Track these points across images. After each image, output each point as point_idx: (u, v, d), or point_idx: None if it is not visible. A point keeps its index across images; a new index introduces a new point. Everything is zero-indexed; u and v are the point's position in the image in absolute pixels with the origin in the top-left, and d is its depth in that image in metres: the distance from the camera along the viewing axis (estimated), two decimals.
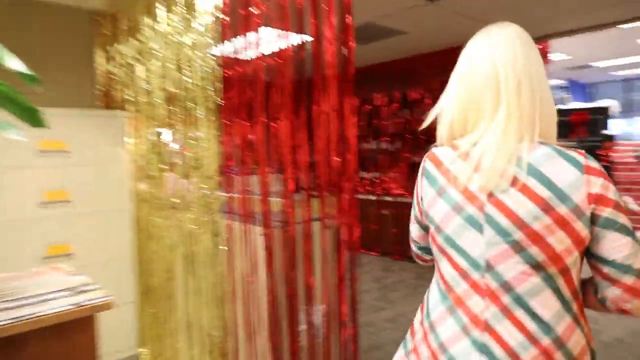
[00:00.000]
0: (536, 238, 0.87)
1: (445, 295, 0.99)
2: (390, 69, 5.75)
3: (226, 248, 2.44)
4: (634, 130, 9.97)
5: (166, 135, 2.66)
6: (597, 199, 0.88)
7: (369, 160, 6.07)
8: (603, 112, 6.52)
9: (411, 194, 5.41)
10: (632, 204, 6.34)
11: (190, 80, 2.31)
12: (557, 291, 0.90)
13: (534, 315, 0.89)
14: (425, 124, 1.09)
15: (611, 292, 0.92)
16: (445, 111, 1.05)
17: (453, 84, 1.04)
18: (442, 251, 0.99)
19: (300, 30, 2.16)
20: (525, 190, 0.88)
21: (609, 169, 6.31)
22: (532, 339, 0.88)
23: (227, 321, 2.45)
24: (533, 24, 4.37)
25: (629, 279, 0.89)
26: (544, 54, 4.96)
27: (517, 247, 0.88)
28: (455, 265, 0.97)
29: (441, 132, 1.06)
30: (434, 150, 1.06)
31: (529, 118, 0.93)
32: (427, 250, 1.15)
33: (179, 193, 2.53)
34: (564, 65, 7.54)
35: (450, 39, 4.76)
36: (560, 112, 5.86)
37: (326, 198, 2.32)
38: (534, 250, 0.87)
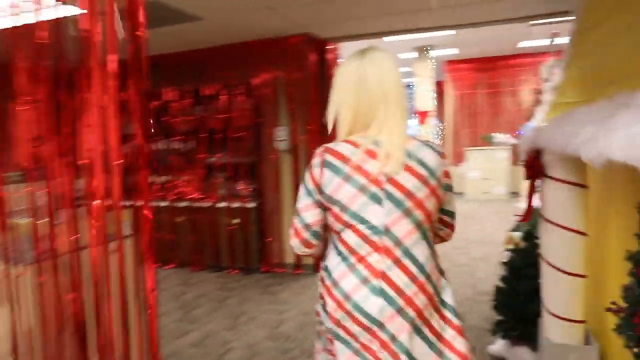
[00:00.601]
0: (419, 204, 1.26)
1: (346, 257, 1.29)
2: (183, 61, 5.18)
3: None
4: None
5: None
6: (446, 173, 1.36)
7: (159, 162, 5.39)
8: None
9: (209, 197, 4.94)
10: None
11: None
12: (427, 240, 1.32)
13: (415, 261, 1.27)
14: (330, 127, 1.37)
15: (443, 232, 1.46)
16: (342, 115, 1.33)
17: (348, 94, 1.32)
18: (347, 224, 1.28)
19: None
20: (410, 170, 1.26)
21: None
22: (413, 278, 1.26)
23: None
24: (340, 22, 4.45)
25: (453, 221, 1.46)
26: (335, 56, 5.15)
27: (407, 212, 1.25)
28: (359, 233, 1.27)
29: (342, 130, 1.34)
30: (331, 146, 1.31)
31: (405, 120, 1.32)
32: (317, 234, 1.38)
33: None
34: None
35: (252, 32, 4.51)
36: None
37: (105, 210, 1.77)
38: (417, 213, 1.26)
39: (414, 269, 1.26)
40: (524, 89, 9.32)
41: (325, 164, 1.28)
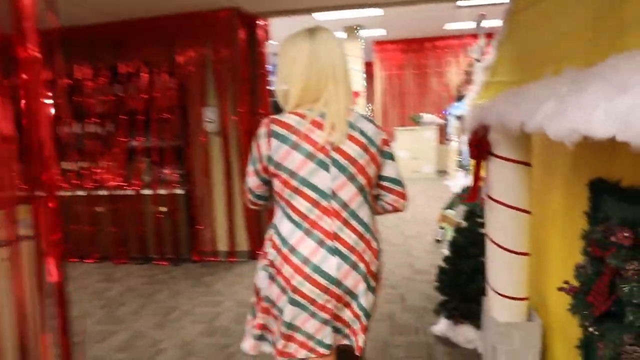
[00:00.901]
0: (361, 170, 1.40)
1: (299, 223, 1.38)
2: (98, 34, 4.64)
3: None
4: None
5: None
6: (385, 142, 1.49)
7: (72, 147, 4.87)
8: None
9: (132, 184, 4.57)
10: None
11: None
12: (368, 203, 1.47)
13: (361, 221, 1.42)
14: (280, 99, 1.48)
15: (389, 198, 1.54)
16: (292, 91, 1.41)
17: (299, 71, 1.40)
18: (296, 190, 1.37)
19: None
20: (352, 139, 1.39)
21: None
22: (360, 236, 1.41)
23: None
24: None
25: (400, 188, 1.53)
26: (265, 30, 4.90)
27: (351, 178, 1.38)
28: (308, 199, 1.36)
29: (290, 103, 1.42)
30: (278, 117, 1.40)
31: (350, 95, 1.44)
32: (263, 197, 1.54)
33: None
34: None
35: (174, 3, 4.13)
36: None
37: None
38: (360, 178, 1.40)
39: (360, 228, 1.42)
40: (451, 70, 9.59)
41: (272, 134, 1.38)
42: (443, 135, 9.59)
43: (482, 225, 2.46)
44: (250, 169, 1.48)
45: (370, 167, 1.42)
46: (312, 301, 1.36)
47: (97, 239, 4.89)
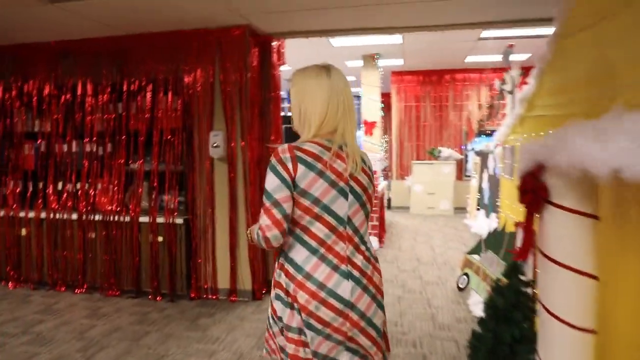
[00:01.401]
0: (369, 198, 1.57)
1: (315, 249, 1.47)
2: (101, 48, 4.36)
3: None
4: None
5: None
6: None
7: (68, 166, 4.57)
8: None
9: (127, 210, 4.20)
10: None
11: None
12: (367, 228, 1.61)
13: (367, 246, 1.58)
14: (297, 128, 1.60)
15: None
16: (312, 119, 1.52)
17: (319, 104, 1.51)
18: (317, 217, 1.46)
19: None
20: (363, 171, 1.56)
21: None
22: (368, 260, 1.55)
23: None
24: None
25: None
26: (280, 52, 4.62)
27: (362, 205, 1.54)
28: (327, 225, 1.47)
29: (309, 133, 1.53)
30: (298, 145, 1.49)
31: (356, 129, 1.71)
32: (283, 232, 1.48)
33: None
34: None
35: (184, 19, 3.88)
36: None
37: None
38: (368, 206, 1.57)
39: (367, 253, 1.54)
40: (471, 104, 9.26)
41: (298, 160, 1.43)
42: (461, 170, 9.19)
43: (527, 284, 2.05)
44: (282, 194, 1.44)
45: (372, 196, 1.59)
46: (327, 324, 1.44)
47: (88, 268, 4.52)
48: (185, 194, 4.33)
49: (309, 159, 1.43)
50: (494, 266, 3.44)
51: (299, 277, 1.44)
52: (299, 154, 1.43)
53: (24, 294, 4.47)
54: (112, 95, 4.38)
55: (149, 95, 4.25)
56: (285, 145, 1.46)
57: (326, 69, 1.54)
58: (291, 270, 1.47)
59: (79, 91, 4.44)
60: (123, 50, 4.34)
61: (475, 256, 3.96)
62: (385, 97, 9.15)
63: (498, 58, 5.93)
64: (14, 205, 4.69)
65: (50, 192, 4.59)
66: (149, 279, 4.35)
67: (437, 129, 9.54)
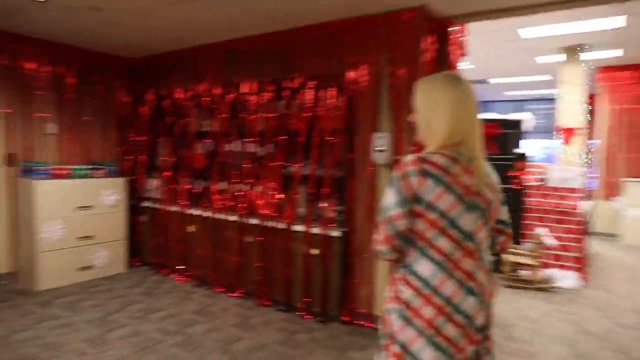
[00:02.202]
0: (493, 213, 1.51)
1: (441, 264, 1.40)
2: (264, 45, 4.20)
3: None
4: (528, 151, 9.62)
5: None
6: (499, 188, 1.57)
7: (232, 167, 4.51)
8: (516, 127, 5.65)
9: (282, 216, 3.82)
10: (547, 238, 4.82)
11: None
12: (487, 244, 1.52)
13: (486, 261, 1.49)
14: (422, 138, 1.55)
15: (500, 239, 1.60)
16: (439, 131, 1.47)
17: (448, 113, 1.46)
18: (443, 231, 1.40)
19: None
20: (488, 185, 1.48)
21: (522, 193, 5.43)
22: (487, 274, 1.48)
23: None
24: None
25: (509, 229, 1.61)
26: None
27: (486, 221, 1.47)
28: (453, 239, 1.41)
29: (436, 144, 1.47)
30: (426, 157, 1.42)
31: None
32: (405, 239, 1.45)
33: None
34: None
35: (348, 6, 3.41)
36: None
37: None
38: (490, 221, 1.50)
39: (486, 267, 1.48)
40: None
41: (425, 173, 1.39)
42: None
43: None
44: (396, 211, 1.42)
45: (495, 212, 1.51)
46: (453, 344, 1.38)
47: (243, 272, 4.37)
48: (343, 203, 3.85)
49: (437, 172, 1.40)
50: None
51: (425, 291, 1.41)
52: (426, 167, 1.40)
53: (187, 290, 4.54)
54: (274, 94, 4.16)
55: (309, 92, 3.88)
56: (413, 156, 1.43)
57: (453, 77, 1.52)
58: (416, 283, 1.43)
59: (244, 90, 4.33)
60: (284, 45, 4.09)
61: None
62: (589, 99, 7.48)
63: None
64: (186, 203, 4.84)
65: (214, 191, 4.60)
66: (301, 294, 3.98)
67: None
